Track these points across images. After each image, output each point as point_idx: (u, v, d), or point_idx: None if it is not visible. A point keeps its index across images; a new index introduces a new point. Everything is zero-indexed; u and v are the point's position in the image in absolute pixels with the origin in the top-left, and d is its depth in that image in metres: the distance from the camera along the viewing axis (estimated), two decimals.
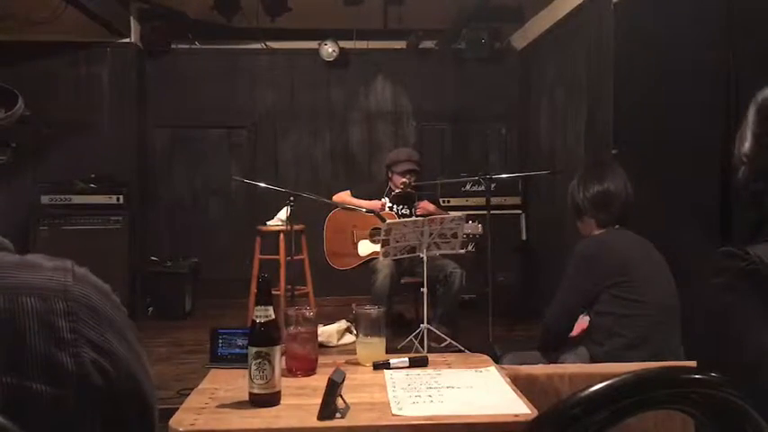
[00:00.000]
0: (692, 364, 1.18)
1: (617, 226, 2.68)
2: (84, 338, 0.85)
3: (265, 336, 1.73)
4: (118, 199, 6.28)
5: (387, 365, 2.07)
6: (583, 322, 2.77)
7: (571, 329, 2.74)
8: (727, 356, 1.07)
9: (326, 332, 4.87)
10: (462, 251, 4.53)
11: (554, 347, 2.76)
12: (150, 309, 6.31)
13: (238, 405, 1.73)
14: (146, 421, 0.97)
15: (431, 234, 4.26)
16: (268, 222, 5.48)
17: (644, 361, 2.35)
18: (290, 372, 1.99)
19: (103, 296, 0.91)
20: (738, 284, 1.09)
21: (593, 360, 2.54)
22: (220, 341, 2.12)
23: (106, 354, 0.87)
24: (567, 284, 2.70)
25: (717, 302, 1.13)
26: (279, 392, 1.75)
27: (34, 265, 0.89)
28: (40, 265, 0.89)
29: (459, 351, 4.23)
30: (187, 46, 6.90)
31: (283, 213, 5.13)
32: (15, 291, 0.84)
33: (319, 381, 1.80)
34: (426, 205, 5.23)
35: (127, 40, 6.60)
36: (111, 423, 0.90)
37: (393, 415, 1.66)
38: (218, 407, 1.73)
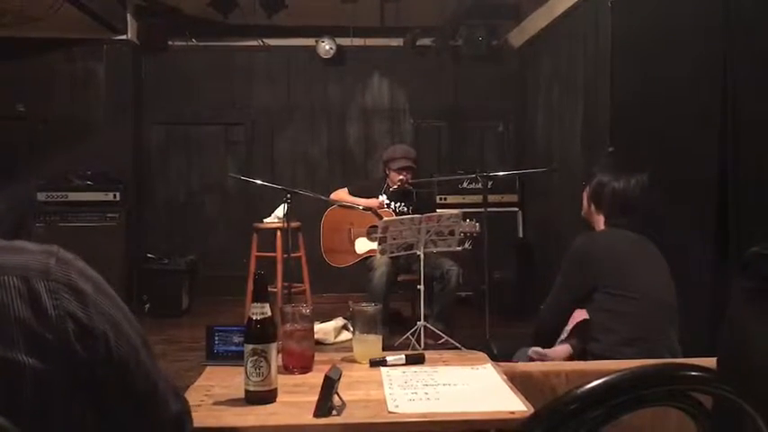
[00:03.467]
0: (689, 361, 1.17)
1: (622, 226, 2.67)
2: (68, 316, 0.86)
3: (261, 333, 1.73)
4: (114, 196, 6.27)
5: (383, 363, 2.07)
6: (577, 315, 2.79)
7: (563, 324, 2.75)
8: (755, 363, 1.05)
9: (323, 329, 4.87)
10: (459, 249, 4.53)
11: (545, 342, 2.77)
12: (147, 306, 6.31)
13: (234, 402, 1.73)
14: (140, 410, 0.97)
15: (428, 232, 4.26)
16: (265, 220, 5.48)
17: (639, 357, 2.36)
18: (286, 369, 1.99)
19: (88, 280, 0.92)
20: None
21: (592, 356, 2.55)
22: (217, 338, 2.11)
23: (90, 333, 0.88)
24: (560, 281, 2.73)
25: (746, 307, 1.10)
26: (275, 390, 1.74)
27: (19, 248, 0.90)
28: (25, 249, 0.90)
29: (456, 348, 4.24)
30: (184, 43, 6.89)
31: (280, 211, 5.13)
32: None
33: (315, 378, 1.80)
34: None
35: (123, 36, 6.58)
36: (100, 405, 0.90)
37: (389, 412, 1.65)
38: (214, 404, 1.73)
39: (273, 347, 1.74)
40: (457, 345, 4.36)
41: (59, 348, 0.85)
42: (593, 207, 2.74)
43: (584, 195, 2.78)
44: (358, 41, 7.07)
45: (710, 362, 1.18)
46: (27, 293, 0.85)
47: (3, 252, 0.89)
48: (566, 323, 2.75)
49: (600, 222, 2.71)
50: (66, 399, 0.86)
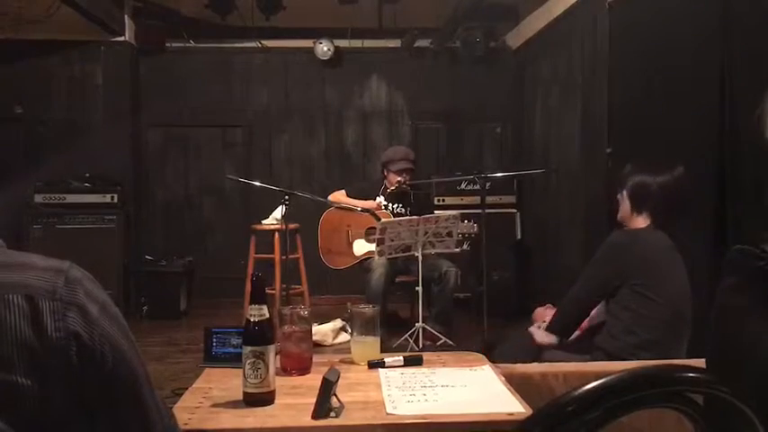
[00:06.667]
0: (691, 362, 1.17)
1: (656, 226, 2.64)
2: (71, 336, 0.85)
3: (260, 335, 1.73)
4: (112, 198, 6.27)
5: (381, 364, 2.07)
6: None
7: (584, 316, 2.74)
8: (740, 360, 1.05)
9: (321, 331, 4.87)
10: (457, 250, 4.53)
11: (563, 331, 2.76)
12: (145, 308, 6.30)
13: (232, 404, 1.73)
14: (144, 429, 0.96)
15: (426, 233, 4.26)
16: (263, 221, 5.47)
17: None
18: (284, 371, 1.98)
19: (95, 302, 0.90)
20: (753, 285, 1.06)
21: (605, 353, 2.54)
22: (215, 340, 2.11)
23: (91, 354, 0.87)
24: (591, 270, 2.70)
25: (730, 303, 1.11)
26: (273, 391, 1.74)
27: (26, 264, 0.88)
28: (32, 265, 0.89)
29: (454, 350, 4.24)
30: (181, 44, 6.88)
31: (278, 212, 5.12)
32: (2, 289, 0.84)
33: (314, 380, 1.80)
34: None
35: (121, 38, 6.58)
36: (105, 427, 0.89)
37: (388, 414, 1.65)
38: (212, 406, 1.73)
39: (272, 349, 1.74)
40: (455, 346, 4.36)
41: (60, 371, 0.84)
42: (635, 210, 2.67)
43: (622, 199, 2.71)
44: (356, 43, 7.07)
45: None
46: (30, 313, 0.84)
47: (9, 268, 0.87)
48: (587, 316, 2.74)
49: (639, 223, 2.67)
50: (66, 422, 0.86)
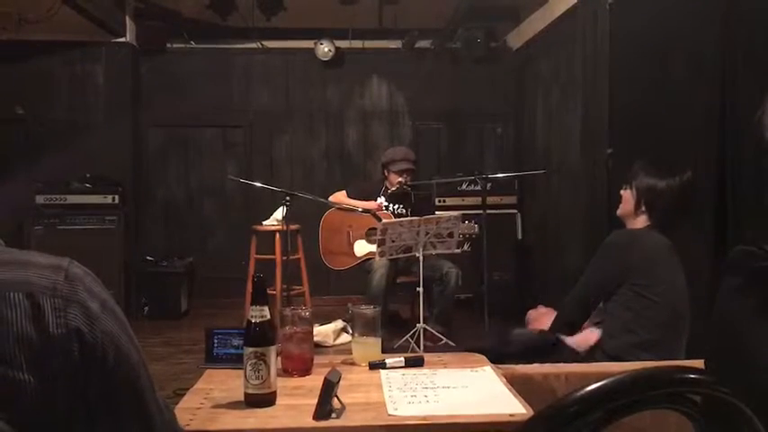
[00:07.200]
0: (691, 362, 1.17)
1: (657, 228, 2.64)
2: (72, 333, 0.85)
3: (261, 336, 1.73)
4: (113, 198, 6.27)
5: (383, 365, 2.07)
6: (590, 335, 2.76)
7: (586, 316, 2.73)
8: (742, 359, 1.05)
9: (322, 332, 4.87)
10: (458, 250, 4.54)
11: (565, 333, 2.76)
12: (146, 308, 6.30)
13: (234, 405, 1.73)
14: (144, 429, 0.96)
15: (427, 233, 4.26)
16: (264, 222, 5.47)
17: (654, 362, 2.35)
18: (285, 372, 1.98)
19: (95, 298, 0.90)
20: (758, 285, 1.05)
21: (604, 353, 2.54)
22: (216, 341, 2.11)
23: (92, 352, 0.87)
24: (590, 273, 2.70)
25: (734, 304, 1.10)
26: (274, 393, 1.74)
27: (27, 262, 0.89)
28: (33, 263, 0.89)
29: (455, 350, 4.24)
30: (182, 45, 6.89)
31: (279, 213, 5.12)
32: (3, 286, 0.84)
33: (315, 381, 1.80)
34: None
35: (122, 39, 6.58)
36: (98, 427, 0.89)
37: (389, 415, 1.65)
38: (213, 407, 1.73)
39: (273, 350, 1.74)
40: (456, 346, 4.36)
41: (62, 367, 0.85)
42: (639, 209, 2.65)
43: (627, 195, 2.69)
44: (356, 43, 7.07)
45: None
46: (31, 311, 0.84)
47: (9, 266, 0.88)
48: (588, 316, 2.74)
49: (639, 223, 2.66)
50: (66, 418, 0.86)
